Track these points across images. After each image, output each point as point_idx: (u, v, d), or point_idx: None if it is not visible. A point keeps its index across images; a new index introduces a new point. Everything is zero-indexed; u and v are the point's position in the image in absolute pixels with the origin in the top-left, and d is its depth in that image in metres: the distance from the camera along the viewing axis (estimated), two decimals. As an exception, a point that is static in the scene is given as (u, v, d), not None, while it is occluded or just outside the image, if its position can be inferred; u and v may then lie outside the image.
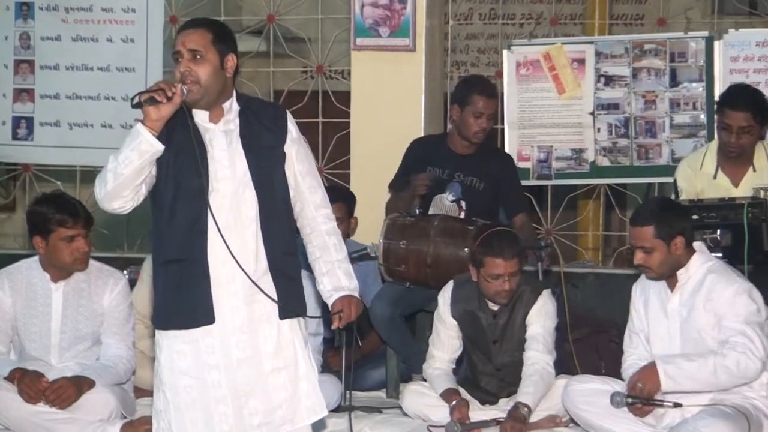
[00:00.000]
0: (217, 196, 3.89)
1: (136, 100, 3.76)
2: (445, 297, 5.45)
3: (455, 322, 5.43)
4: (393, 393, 5.86)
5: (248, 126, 3.96)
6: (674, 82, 6.83)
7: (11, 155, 7.73)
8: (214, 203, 3.87)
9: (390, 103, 6.87)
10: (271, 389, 3.95)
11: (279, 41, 7.57)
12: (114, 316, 5.26)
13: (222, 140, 3.92)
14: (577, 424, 5.16)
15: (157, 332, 4.01)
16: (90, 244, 5.21)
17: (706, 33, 6.92)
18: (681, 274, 4.96)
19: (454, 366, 5.53)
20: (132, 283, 5.78)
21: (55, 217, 5.10)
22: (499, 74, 7.14)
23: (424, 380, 5.50)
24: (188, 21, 4.03)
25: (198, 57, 3.86)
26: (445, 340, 5.46)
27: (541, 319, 5.30)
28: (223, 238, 3.85)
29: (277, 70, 7.74)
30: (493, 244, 5.22)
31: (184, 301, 3.91)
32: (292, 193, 4.02)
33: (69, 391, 5.01)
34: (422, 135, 6.69)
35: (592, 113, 6.94)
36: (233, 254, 3.86)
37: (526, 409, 5.11)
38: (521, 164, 6.86)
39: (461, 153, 6.06)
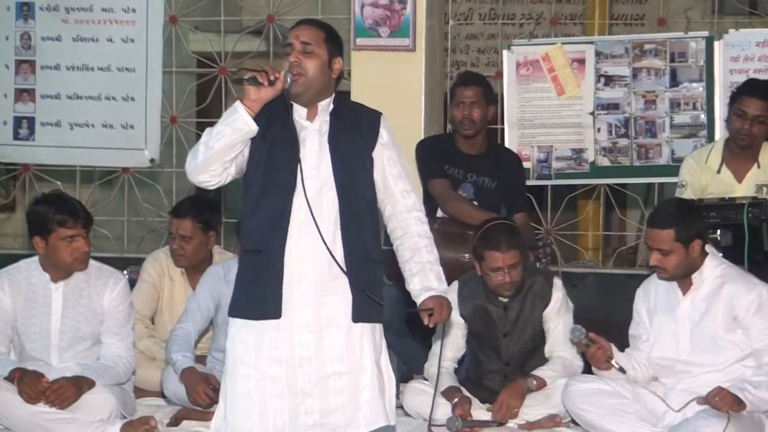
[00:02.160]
0: (300, 193, 3.91)
1: (238, 75, 3.83)
2: (451, 297, 5.43)
3: (463, 321, 5.45)
4: (393, 393, 5.85)
5: (339, 129, 3.99)
6: (674, 82, 6.84)
7: (12, 155, 7.74)
8: (297, 201, 3.90)
9: (390, 103, 6.79)
10: (331, 392, 3.94)
11: (279, 41, 7.58)
12: (114, 316, 5.25)
13: (314, 140, 3.96)
14: (577, 424, 5.16)
15: (230, 319, 4.05)
16: (90, 244, 5.21)
17: (706, 33, 6.93)
18: (695, 277, 4.97)
19: (456, 366, 5.54)
20: (132, 283, 5.78)
21: (55, 217, 5.10)
22: (499, 74, 7.15)
23: (425, 380, 5.51)
24: (303, 19, 4.12)
25: (308, 51, 3.92)
26: (451, 339, 5.47)
27: (560, 317, 5.35)
28: (319, 232, 3.88)
29: (278, 70, 7.73)
30: (490, 237, 5.27)
31: (254, 292, 3.95)
32: (381, 197, 4.03)
33: (69, 391, 5.01)
34: (422, 135, 6.69)
35: (592, 113, 6.94)
36: (326, 243, 3.87)
37: (534, 382, 5.13)
38: (521, 164, 6.88)
39: (472, 153, 6.08)
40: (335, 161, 3.95)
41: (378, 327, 4.04)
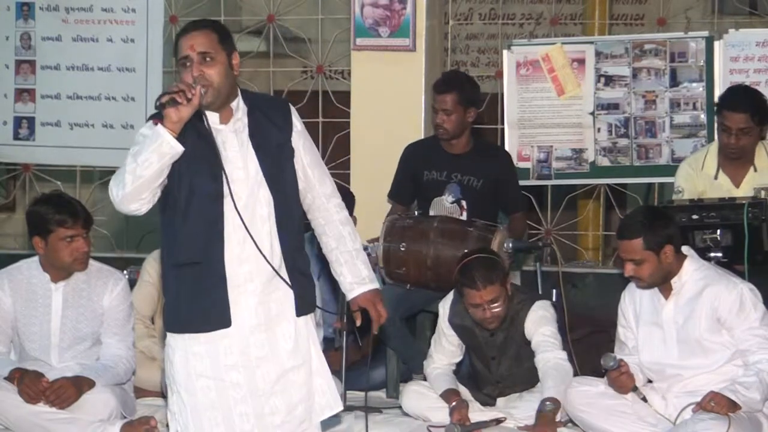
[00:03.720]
0: (231, 198, 3.86)
1: (160, 101, 3.73)
2: (445, 308, 5.44)
3: (455, 333, 5.43)
4: (393, 393, 5.86)
5: (257, 124, 3.93)
6: (674, 82, 6.83)
7: (13, 155, 7.74)
8: (228, 205, 3.85)
9: (390, 103, 6.87)
10: (291, 387, 3.95)
11: (279, 41, 7.58)
12: (114, 316, 5.26)
13: (234, 141, 3.90)
14: (576, 425, 5.16)
15: (170, 334, 3.97)
16: (90, 244, 5.21)
17: (706, 33, 6.92)
18: (675, 282, 4.96)
19: (454, 368, 5.53)
20: (132, 283, 5.78)
21: (54, 217, 5.10)
22: (499, 74, 7.15)
23: (425, 379, 5.51)
24: (189, 23, 3.98)
25: (208, 59, 3.84)
26: (445, 347, 5.47)
27: (540, 327, 5.26)
28: (253, 240, 3.84)
29: (277, 70, 7.75)
30: (466, 274, 5.18)
31: (200, 305, 3.88)
32: (301, 185, 4.01)
33: (69, 391, 5.02)
34: (422, 135, 6.70)
35: (592, 113, 6.94)
36: (264, 254, 3.85)
37: (548, 403, 5.01)
38: (521, 164, 6.87)
39: (456, 153, 6.05)
40: (261, 158, 3.91)
41: (312, 315, 4.05)
